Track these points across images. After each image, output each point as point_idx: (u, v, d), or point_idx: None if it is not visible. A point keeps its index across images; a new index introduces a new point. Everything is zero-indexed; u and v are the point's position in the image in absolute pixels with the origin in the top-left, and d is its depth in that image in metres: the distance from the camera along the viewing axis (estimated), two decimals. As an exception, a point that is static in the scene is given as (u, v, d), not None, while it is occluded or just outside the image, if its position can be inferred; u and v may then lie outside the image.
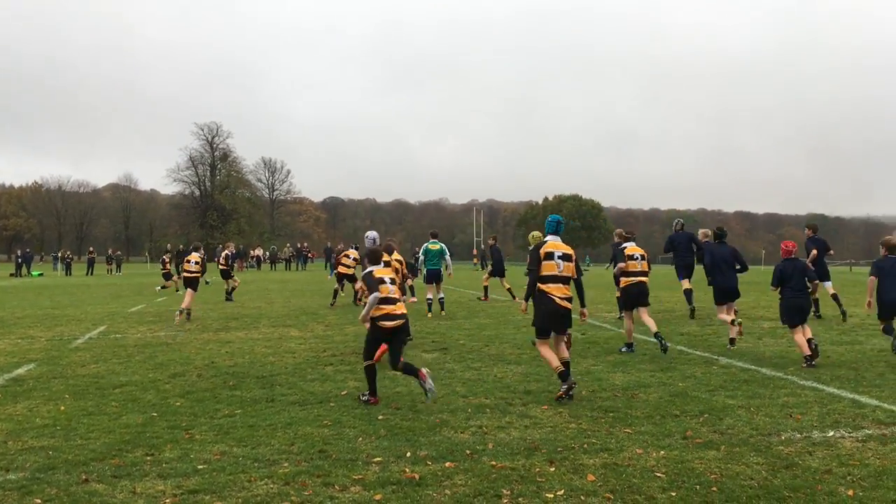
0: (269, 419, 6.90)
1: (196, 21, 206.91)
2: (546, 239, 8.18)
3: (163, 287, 27.56)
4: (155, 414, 7.21)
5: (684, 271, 15.44)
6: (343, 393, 8.02)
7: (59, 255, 60.45)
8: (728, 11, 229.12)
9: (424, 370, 7.21)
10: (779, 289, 9.86)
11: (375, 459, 5.56)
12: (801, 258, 10.28)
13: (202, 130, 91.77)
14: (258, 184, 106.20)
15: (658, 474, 5.14)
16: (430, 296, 16.81)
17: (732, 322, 10.94)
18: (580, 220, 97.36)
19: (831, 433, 6.17)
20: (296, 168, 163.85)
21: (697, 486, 4.91)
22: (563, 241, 8.07)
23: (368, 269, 7.76)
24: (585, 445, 5.87)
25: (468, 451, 5.72)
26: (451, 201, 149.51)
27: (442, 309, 16.95)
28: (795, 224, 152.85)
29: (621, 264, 11.09)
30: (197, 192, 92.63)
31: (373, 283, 7.46)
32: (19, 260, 52.64)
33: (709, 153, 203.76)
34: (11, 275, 49.77)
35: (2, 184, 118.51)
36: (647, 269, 10.99)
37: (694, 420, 6.66)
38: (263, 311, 18.66)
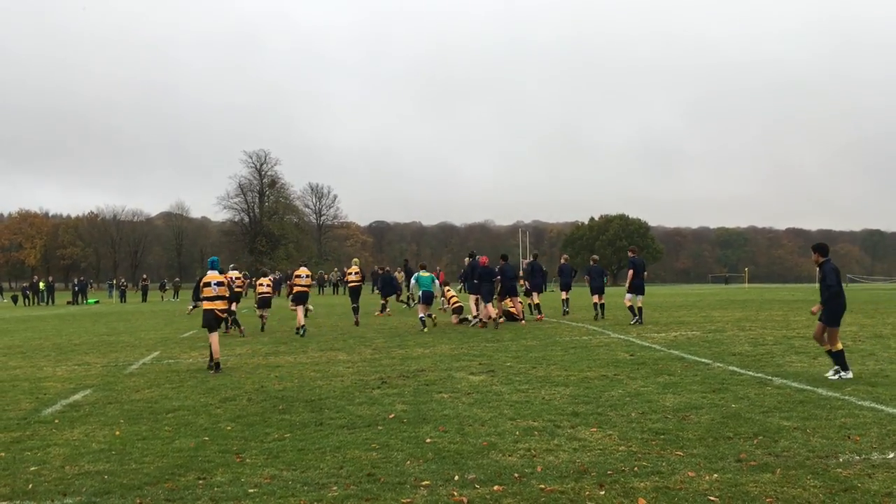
0: (318, 443, 6.96)
1: (241, 51, 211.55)
2: (207, 272, 12.96)
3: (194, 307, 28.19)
4: (207, 438, 7.32)
5: (537, 288, 23.77)
6: (391, 416, 8.04)
7: (114, 282, 62.13)
8: (775, 23, 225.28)
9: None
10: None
11: (423, 483, 5.56)
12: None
13: (251, 158, 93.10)
14: (305, 209, 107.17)
15: (711, 498, 5.03)
16: (421, 314, 19.73)
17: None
18: (627, 240, 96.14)
19: (891, 455, 5.97)
20: (341, 193, 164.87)
21: (752, 511, 4.80)
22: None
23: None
24: (636, 468, 5.79)
25: (516, 475, 5.69)
26: (496, 223, 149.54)
27: (434, 324, 20.42)
28: (850, 241, 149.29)
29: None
30: (246, 219, 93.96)
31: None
32: (76, 288, 54.29)
33: (758, 169, 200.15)
34: (69, 302, 51.33)
35: (59, 214, 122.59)
36: (311, 283, 19.17)
37: (748, 442, 6.51)
38: (311, 334, 18.84)
